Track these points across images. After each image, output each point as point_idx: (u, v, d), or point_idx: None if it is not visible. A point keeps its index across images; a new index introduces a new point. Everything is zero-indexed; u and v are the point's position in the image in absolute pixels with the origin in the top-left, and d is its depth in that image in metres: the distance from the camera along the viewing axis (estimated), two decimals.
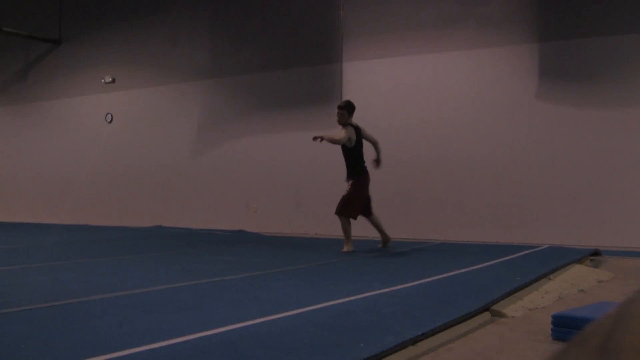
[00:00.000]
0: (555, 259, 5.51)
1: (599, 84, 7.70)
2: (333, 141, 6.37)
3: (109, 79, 12.10)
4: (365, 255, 6.30)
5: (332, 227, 9.50)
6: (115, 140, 11.95)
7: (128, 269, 5.17)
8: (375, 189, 9.32)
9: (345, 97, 9.52)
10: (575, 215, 7.75)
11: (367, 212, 6.67)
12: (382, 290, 3.80)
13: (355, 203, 6.51)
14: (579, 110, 7.81)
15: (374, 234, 8.99)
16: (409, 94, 8.96)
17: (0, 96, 14.13)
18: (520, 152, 8.14)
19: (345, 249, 6.49)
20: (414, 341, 2.71)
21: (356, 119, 9.34)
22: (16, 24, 12.85)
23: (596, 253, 6.52)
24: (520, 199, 8.12)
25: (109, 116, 12.11)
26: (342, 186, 9.49)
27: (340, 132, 6.43)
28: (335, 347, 2.47)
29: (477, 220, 8.38)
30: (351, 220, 6.52)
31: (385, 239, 6.86)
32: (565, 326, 2.92)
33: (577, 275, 4.95)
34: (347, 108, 6.52)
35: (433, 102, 8.77)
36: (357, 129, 6.54)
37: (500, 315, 3.49)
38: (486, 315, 3.45)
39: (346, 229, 6.50)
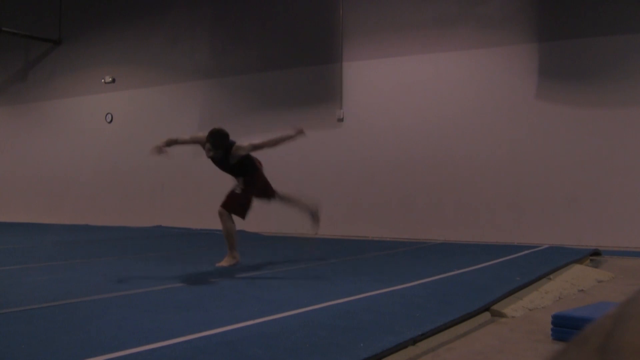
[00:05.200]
0: (555, 259, 5.51)
1: (599, 84, 7.70)
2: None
3: (109, 79, 12.10)
4: (365, 255, 6.30)
5: (332, 227, 9.51)
6: (115, 140, 11.95)
7: (128, 269, 5.17)
8: (375, 189, 9.35)
9: (345, 97, 9.54)
10: (575, 215, 7.75)
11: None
12: (382, 290, 3.80)
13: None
14: (579, 110, 7.81)
15: (374, 234, 9.02)
16: (409, 94, 8.96)
17: (0, 96, 14.13)
18: (520, 152, 8.14)
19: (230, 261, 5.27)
20: (414, 341, 2.71)
21: (357, 119, 9.35)
22: (16, 24, 12.84)
23: (596, 253, 6.52)
24: (520, 199, 8.12)
25: (109, 116, 12.11)
26: (342, 186, 9.52)
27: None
28: (335, 347, 2.47)
29: (477, 220, 8.38)
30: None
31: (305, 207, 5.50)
32: (565, 326, 2.91)
33: (577, 275, 4.95)
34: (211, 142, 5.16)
35: (433, 102, 8.77)
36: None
37: (500, 315, 3.49)
38: (486, 315, 3.45)
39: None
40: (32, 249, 7.28)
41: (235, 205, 5.28)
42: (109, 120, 12.12)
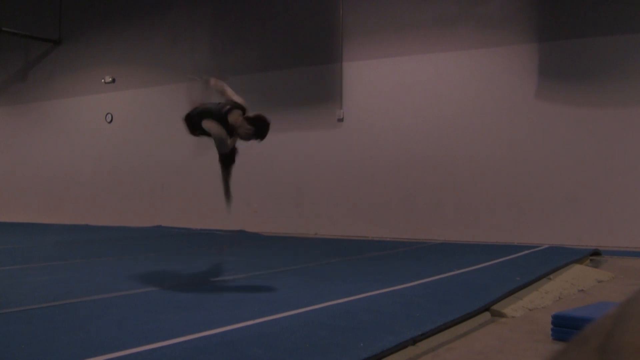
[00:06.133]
0: (555, 259, 5.50)
1: (598, 84, 7.70)
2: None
3: (109, 79, 12.10)
4: (365, 255, 6.30)
5: (332, 227, 9.51)
6: (115, 140, 11.95)
7: (128, 269, 5.17)
8: (375, 189, 9.35)
9: (345, 97, 9.54)
10: (575, 215, 7.75)
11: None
12: (382, 290, 3.80)
13: None
14: (579, 110, 7.81)
15: (374, 234, 9.02)
16: (409, 94, 8.96)
17: (0, 96, 14.13)
18: (520, 152, 8.14)
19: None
20: (414, 341, 2.71)
21: (357, 119, 9.36)
22: (16, 24, 12.84)
23: (596, 253, 6.52)
24: (520, 199, 8.12)
25: (109, 116, 12.11)
26: (342, 186, 9.52)
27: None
28: (335, 347, 2.47)
29: (477, 220, 8.38)
30: None
31: None
32: (565, 326, 2.91)
33: (577, 275, 4.95)
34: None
35: (433, 102, 8.77)
36: None
37: (500, 315, 3.49)
38: (486, 315, 3.45)
39: None
40: (32, 249, 7.28)
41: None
42: (109, 120, 12.12)
